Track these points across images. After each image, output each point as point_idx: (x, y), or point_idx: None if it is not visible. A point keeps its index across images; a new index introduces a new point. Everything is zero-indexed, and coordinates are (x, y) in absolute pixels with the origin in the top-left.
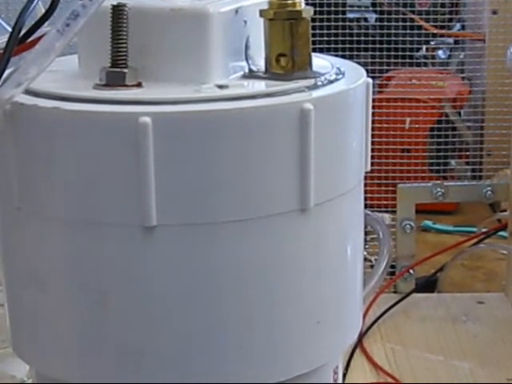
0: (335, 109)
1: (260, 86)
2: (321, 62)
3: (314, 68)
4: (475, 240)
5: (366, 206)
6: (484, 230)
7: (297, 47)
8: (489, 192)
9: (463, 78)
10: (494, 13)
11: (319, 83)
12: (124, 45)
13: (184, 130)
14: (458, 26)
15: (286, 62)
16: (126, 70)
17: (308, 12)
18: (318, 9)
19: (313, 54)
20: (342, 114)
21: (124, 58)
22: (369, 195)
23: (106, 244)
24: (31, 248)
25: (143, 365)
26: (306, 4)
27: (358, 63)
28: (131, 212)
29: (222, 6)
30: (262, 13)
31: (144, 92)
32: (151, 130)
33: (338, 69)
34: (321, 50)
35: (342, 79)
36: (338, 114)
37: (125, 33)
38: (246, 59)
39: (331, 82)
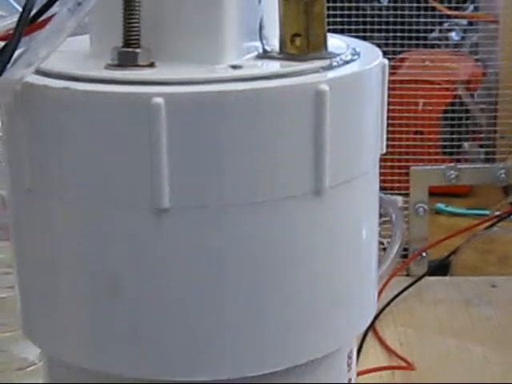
0: (351, 90)
1: (274, 66)
2: (336, 42)
3: (330, 48)
4: (488, 223)
5: (379, 189)
6: (497, 213)
7: (312, 27)
8: (502, 175)
9: (477, 60)
10: None
11: (334, 64)
12: (136, 24)
13: (197, 111)
14: (472, 7)
15: (301, 43)
16: (138, 50)
17: None
18: None
19: (328, 34)
20: (358, 95)
21: (136, 37)
22: (382, 178)
23: (118, 226)
24: (42, 230)
25: (156, 348)
26: None
27: (372, 42)
28: (144, 193)
29: None
30: None
31: (157, 72)
32: (164, 110)
33: (354, 49)
34: (333, 31)
35: (357, 60)
36: (354, 95)
37: (137, 12)
38: (261, 39)
39: (347, 62)
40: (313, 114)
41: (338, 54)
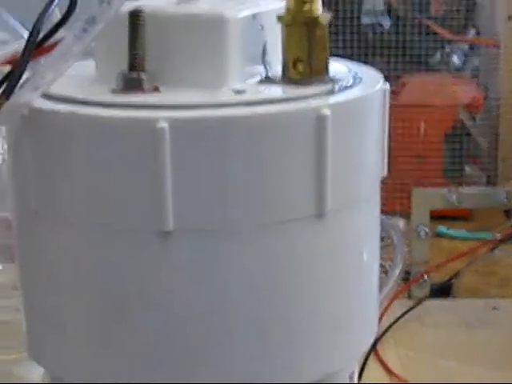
0: (352, 115)
1: (277, 91)
2: (338, 66)
3: (331, 73)
4: (490, 246)
5: (380, 212)
6: (498, 236)
7: (314, 52)
8: (504, 198)
9: (478, 84)
10: (510, 18)
11: (336, 89)
12: (141, 49)
13: (201, 135)
14: (473, 31)
15: (303, 68)
16: (143, 75)
17: (325, 17)
18: (333, 13)
19: (330, 58)
20: (360, 119)
21: (141, 62)
22: (383, 200)
23: (123, 248)
24: (48, 252)
25: (158, 370)
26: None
27: (374, 67)
28: (148, 217)
29: (240, 12)
30: (279, 18)
31: (161, 97)
32: (168, 134)
33: (356, 74)
34: (336, 55)
35: (359, 85)
36: (356, 119)
37: (142, 38)
38: (264, 64)
39: (348, 87)
40: (315, 138)
41: (340, 79)
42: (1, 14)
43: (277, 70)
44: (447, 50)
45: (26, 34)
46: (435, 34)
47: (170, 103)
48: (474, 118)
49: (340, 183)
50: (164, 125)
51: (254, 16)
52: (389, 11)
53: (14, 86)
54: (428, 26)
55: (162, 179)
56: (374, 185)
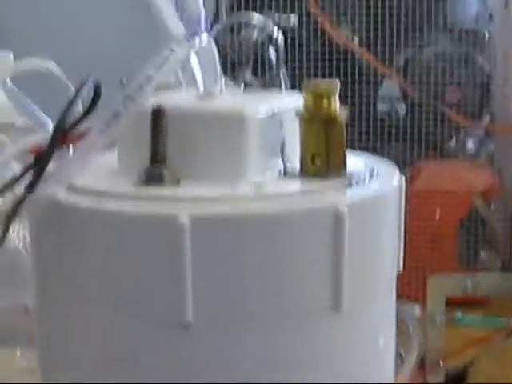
0: (369, 211)
1: (295, 185)
2: (355, 161)
3: (349, 168)
4: (506, 333)
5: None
6: None
7: (331, 148)
8: None
9: (493, 171)
10: None
11: (353, 184)
12: (163, 144)
13: (220, 229)
14: (488, 117)
15: (321, 163)
16: (164, 169)
17: (343, 114)
18: (349, 97)
19: (347, 152)
20: (377, 215)
21: (163, 156)
22: (398, 286)
23: (143, 339)
24: (69, 336)
25: None
26: (340, 99)
27: (389, 154)
28: (168, 308)
29: (259, 108)
30: (297, 114)
31: (182, 190)
32: (189, 229)
33: (372, 169)
34: (352, 141)
35: (376, 180)
36: (373, 215)
37: (164, 132)
38: (282, 158)
39: (366, 183)
40: (332, 235)
41: (357, 175)
42: (22, 99)
43: (295, 163)
44: (462, 136)
45: (47, 121)
46: (450, 120)
47: (191, 197)
48: (489, 205)
49: (357, 280)
50: (185, 220)
51: (273, 111)
52: (404, 98)
53: (39, 179)
54: (443, 113)
55: (181, 272)
56: (390, 281)
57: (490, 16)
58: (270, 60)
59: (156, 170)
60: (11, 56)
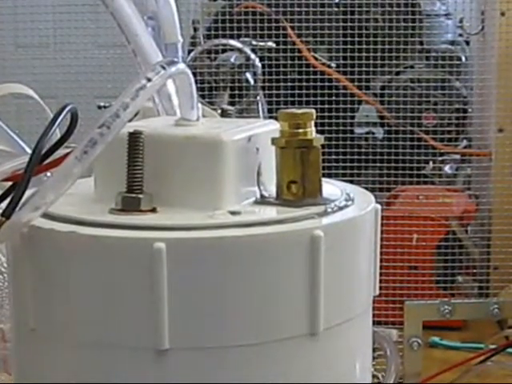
0: (345, 235)
1: (271, 212)
2: (330, 188)
3: (324, 194)
4: (483, 357)
5: (373, 323)
6: (492, 346)
7: (307, 175)
8: (496, 310)
9: (470, 195)
10: (500, 131)
11: (329, 210)
12: (140, 171)
13: (197, 256)
14: (465, 142)
15: (297, 189)
16: (141, 196)
17: (318, 141)
18: (327, 122)
19: (323, 179)
20: (352, 240)
21: (140, 183)
22: (376, 312)
23: (119, 366)
24: (45, 369)
25: None
26: (316, 125)
27: (366, 179)
28: (144, 335)
29: (235, 134)
30: (273, 141)
31: (158, 218)
32: (165, 255)
33: (348, 195)
34: (329, 166)
35: (351, 206)
36: (348, 240)
37: (141, 159)
38: (258, 185)
39: (341, 208)
40: (308, 259)
41: (333, 200)
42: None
43: (271, 189)
44: (439, 160)
45: (24, 147)
46: (427, 145)
47: (167, 224)
48: (466, 229)
49: (333, 303)
50: (161, 245)
51: (249, 138)
52: (381, 123)
53: (16, 205)
54: (420, 138)
55: (158, 298)
56: (366, 303)
57: (467, 41)
58: (247, 83)
59: (133, 197)
60: None
